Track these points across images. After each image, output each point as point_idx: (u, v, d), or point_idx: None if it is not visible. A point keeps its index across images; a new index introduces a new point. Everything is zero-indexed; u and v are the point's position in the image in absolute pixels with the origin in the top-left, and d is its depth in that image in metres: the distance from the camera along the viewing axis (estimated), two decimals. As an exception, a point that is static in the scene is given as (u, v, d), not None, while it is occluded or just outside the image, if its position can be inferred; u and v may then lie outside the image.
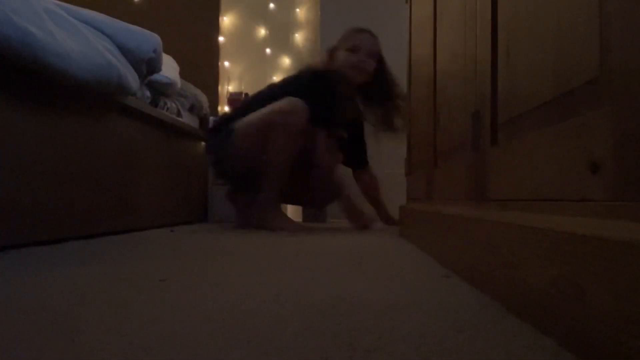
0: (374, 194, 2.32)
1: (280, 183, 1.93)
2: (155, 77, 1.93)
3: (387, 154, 2.90)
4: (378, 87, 2.11)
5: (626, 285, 0.35)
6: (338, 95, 1.98)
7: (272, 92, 2.00)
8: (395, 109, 2.12)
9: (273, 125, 1.84)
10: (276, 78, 3.20)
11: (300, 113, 1.84)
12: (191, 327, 0.50)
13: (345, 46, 2.07)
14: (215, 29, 3.08)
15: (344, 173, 2.28)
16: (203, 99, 2.62)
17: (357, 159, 2.31)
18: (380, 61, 2.11)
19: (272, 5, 3.36)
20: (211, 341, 0.45)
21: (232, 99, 2.99)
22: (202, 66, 2.97)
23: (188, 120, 2.34)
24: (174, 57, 2.31)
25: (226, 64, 3.26)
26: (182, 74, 2.33)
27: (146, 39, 1.69)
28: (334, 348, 0.44)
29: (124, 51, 1.60)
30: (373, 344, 0.45)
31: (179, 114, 2.26)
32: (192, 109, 2.46)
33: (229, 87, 3.25)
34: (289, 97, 1.87)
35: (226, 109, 3.01)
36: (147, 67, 1.72)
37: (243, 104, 2.17)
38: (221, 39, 3.16)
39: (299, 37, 3.37)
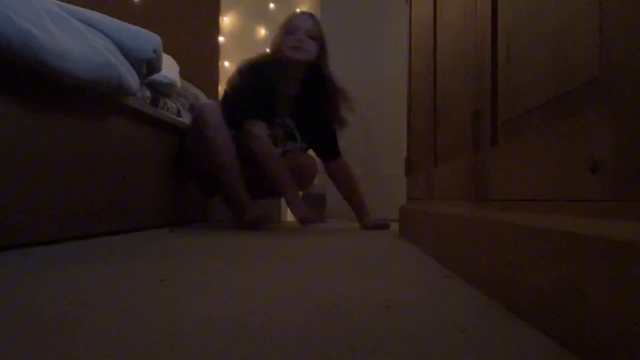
0: (348, 187, 2.18)
1: (236, 181, 1.96)
2: (155, 77, 1.92)
3: (387, 154, 2.91)
4: (320, 73, 2.07)
5: (626, 285, 0.35)
6: (256, 83, 1.99)
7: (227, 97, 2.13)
8: (337, 100, 2.09)
9: (200, 134, 1.95)
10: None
11: (210, 111, 1.95)
12: (191, 327, 0.50)
13: (285, 30, 2.04)
14: (215, 29, 3.08)
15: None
16: (203, 99, 2.62)
17: (325, 148, 2.20)
18: (322, 47, 2.05)
19: (272, 5, 3.36)
20: (211, 341, 0.45)
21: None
22: (202, 66, 2.96)
23: (188, 120, 2.34)
24: (174, 57, 2.30)
25: (226, 64, 3.26)
26: (182, 74, 2.33)
27: (146, 39, 1.69)
28: (334, 348, 0.44)
29: (124, 51, 1.60)
30: (373, 344, 0.45)
31: (179, 114, 2.25)
32: (192, 109, 2.46)
33: (229, 87, 3.25)
34: (201, 105, 2.04)
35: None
36: (147, 67, 1.72)
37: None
38: (221, 39, 3.16)
39: (299, 37, 3.36)
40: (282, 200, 2.81)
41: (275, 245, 1.36)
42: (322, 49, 2.05)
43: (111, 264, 0.96)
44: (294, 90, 2.07)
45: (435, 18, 1.25)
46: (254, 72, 2.01)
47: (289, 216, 3.15)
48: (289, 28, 2.02)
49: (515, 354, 0.42)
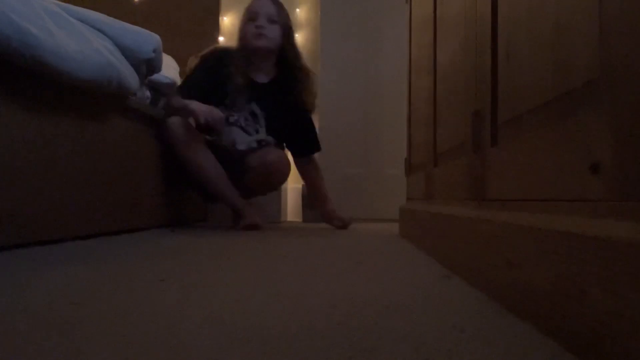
0: (318, 186, 2.17)
1: (225, 188, 1.94)
2: (155, 77, 1.92)
3: (387, 154, 2.91)
4: (286, 57, 2.02)
5: (626, 285, 0.35)
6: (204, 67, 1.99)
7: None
8: (305, 84, 2.03)
9: (174, 153, 1.91)
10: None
11: (175, 127, 1.88)
12: (191, 327, 0.50)
13: (246, 17, 2.02)
14: (215, 29, 3.08)
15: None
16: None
17: (300, 142, 2.15)
18: (286, 30, 2.01)
19: (272, 5, 3.36)
20: (211, 341, 0.45)
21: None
22: (202, 66, 2.96)
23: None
24: (174, 57, 2.30)
25: (226, 64, 3.26)
26: (182, 74, 2.33)
27: (146, 39, 1.69)
28: (334, 348, 0.44)
29: (124, 51, 1.60)
30: (373, 344, 0.45)
31: (179, 114, 2.25)
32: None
33: (229, 87, 3.24)
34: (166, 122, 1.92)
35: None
36: (147, 67, 1.72)
37: None
38: (221, 39, 3.16)
39: (299, 37, 3.36)
40: (282, 200, 2.81)
41: (275, 245, 1.36)
42: (286, 32, 2.00)
43: (111, 264, 0.96)
44: (265, 79, 2.04)
45: (435, 18, 1.25)
46: (208, 56, 2.02)
47: (289, 216, 3.15)
48: (250, 15, 2.00)
49: (515, 354, 0.42)
